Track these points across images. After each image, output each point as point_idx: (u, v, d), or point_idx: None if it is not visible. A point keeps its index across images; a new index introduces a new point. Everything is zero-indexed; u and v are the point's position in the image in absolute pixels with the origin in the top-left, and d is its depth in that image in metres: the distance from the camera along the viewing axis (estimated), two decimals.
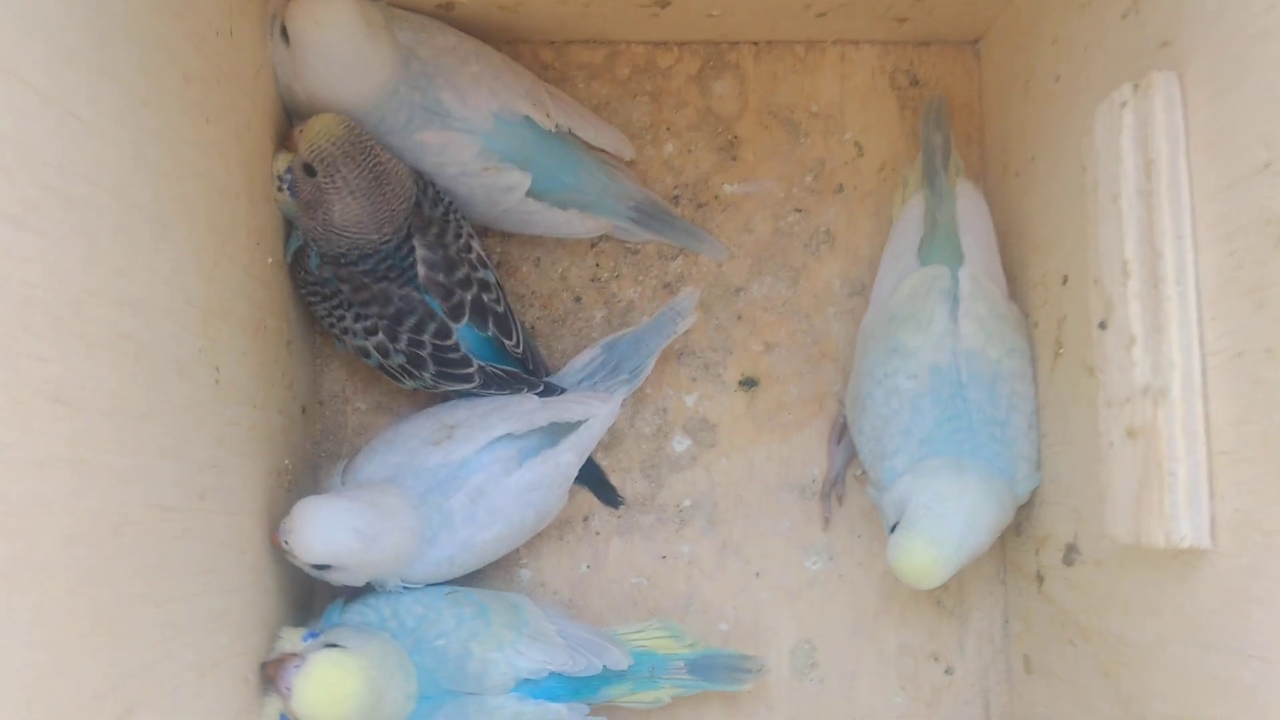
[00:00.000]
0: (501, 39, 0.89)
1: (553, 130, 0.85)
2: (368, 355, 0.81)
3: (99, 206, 0.52)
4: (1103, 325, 0.64)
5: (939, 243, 0.82)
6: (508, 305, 0.83)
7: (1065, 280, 0.75)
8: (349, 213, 0.77)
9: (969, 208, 0.82)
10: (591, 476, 0.87)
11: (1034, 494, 0.79)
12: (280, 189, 0.79)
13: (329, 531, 0.73)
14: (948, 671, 0.87)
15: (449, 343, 0.80)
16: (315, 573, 0.75)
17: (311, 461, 0.87)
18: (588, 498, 0.88)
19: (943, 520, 0.72)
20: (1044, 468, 0.78)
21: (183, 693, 0.60)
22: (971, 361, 0.77)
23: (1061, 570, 0.77)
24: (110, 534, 0.52)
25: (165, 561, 0.58)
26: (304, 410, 0.85)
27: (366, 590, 0.79)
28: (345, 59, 0.76)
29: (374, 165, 0.77)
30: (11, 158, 0.44)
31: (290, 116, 0.82)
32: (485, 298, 0.81)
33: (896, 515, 0.75)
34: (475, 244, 0.83)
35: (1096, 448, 0.65)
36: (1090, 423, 0.68)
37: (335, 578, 0.76)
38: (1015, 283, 0.83)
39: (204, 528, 0.64)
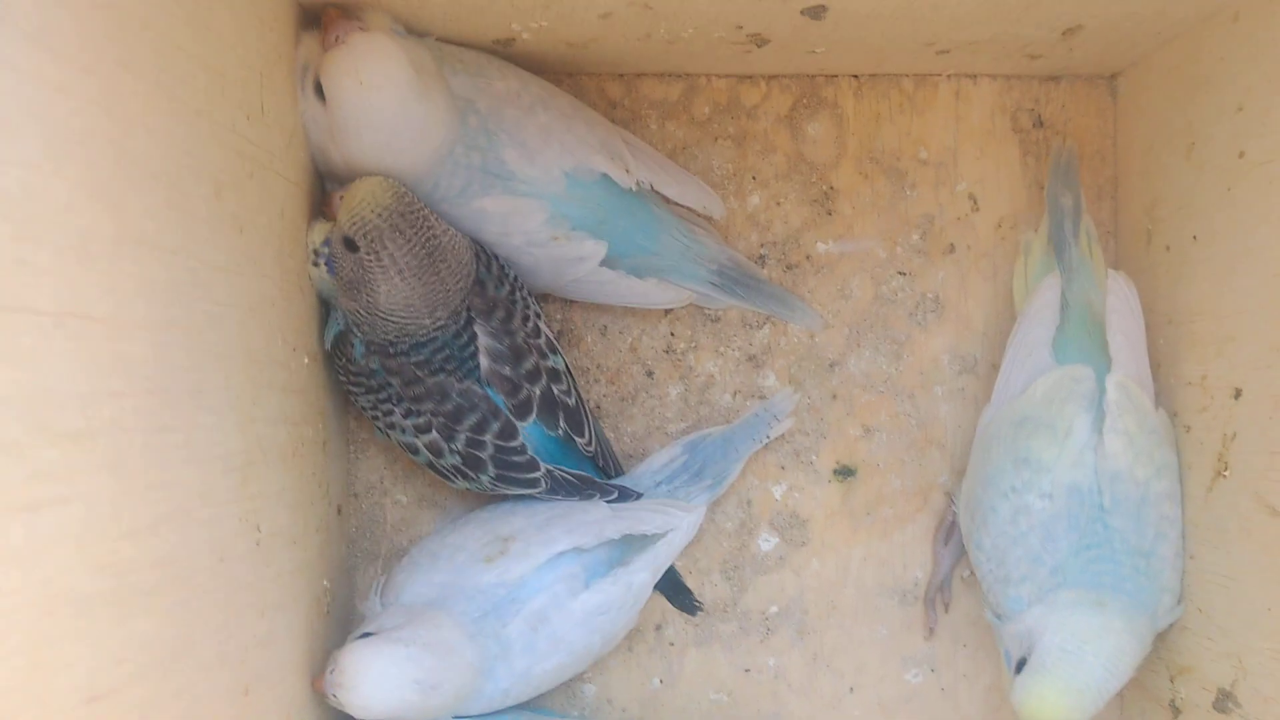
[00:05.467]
0: (563, 72, 0.76)
1: (632, 189, 0.72)
2: (416, 453, 0.70)
3: (119, 433, 0.40)
4: None
5: (1078, 335, 0.72)
6: (579, 396, 0.72)
7: (1239, 394, 0.65)
8: (397, 295, 0.65)
9: (1121, 304, 0.71)
10: (665, 579, 0.76)
11: None
12: (316, 264, 0.67)
13: (386, 686, 0.63)
14: None
15: (514, 444, 0.69)
16: None
17: (347, 565, 0.76)
18: (660, 603, 0.78)
19: (1082, 666, 0.64)
20: (1192, 596, 0.69)
21: None
22: (1117, 484, 0.67)
23: (1209, 714, 0.67)
24: None
25: None
26: (339, 510, 0.74)
27: None
28: (394, 124, 0.63)
29: (427, 240, 0.64)
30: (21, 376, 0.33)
31: (324, 179, 0.69)
32: (555, 390, 0.70)
33: (1021, 650, 0.67)
34: (543, 324, 0.71)
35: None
36: (1264, 564, 0.60)
37: None
38: (1161, 378, 0.72)
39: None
